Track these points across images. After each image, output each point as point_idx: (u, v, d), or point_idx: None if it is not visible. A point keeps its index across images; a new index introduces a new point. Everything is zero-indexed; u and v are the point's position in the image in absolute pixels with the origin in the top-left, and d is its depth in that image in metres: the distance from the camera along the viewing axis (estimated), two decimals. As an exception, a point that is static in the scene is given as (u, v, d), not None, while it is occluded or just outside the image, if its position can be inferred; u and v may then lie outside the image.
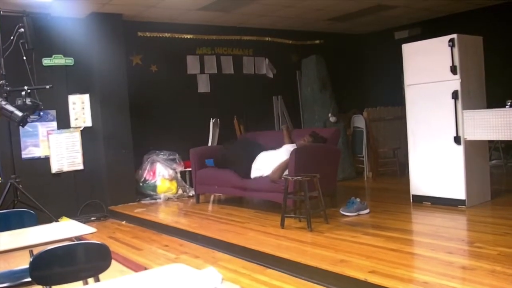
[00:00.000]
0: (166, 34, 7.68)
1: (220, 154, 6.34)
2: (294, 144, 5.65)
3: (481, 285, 2.86)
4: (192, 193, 7.10)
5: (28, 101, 5.11)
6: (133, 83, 7.11)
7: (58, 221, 5.45)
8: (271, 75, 8.79)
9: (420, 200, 5.35)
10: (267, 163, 5.55)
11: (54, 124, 6.67)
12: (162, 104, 7.58)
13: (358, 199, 5.13)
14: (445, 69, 4.96)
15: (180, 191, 7.21)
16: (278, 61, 8.84)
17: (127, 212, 6.42)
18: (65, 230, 2.75)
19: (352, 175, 7.82)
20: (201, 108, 7.88)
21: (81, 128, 6.87)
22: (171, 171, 7.17)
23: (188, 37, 7.91)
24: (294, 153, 5.08)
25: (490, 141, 5.97)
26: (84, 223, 4.27)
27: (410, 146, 5.45)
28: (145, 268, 4.01)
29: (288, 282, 3.52)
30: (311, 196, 4.68)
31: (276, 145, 5.93)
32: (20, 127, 5.00)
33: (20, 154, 6.33)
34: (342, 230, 4.48)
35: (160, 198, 7.00)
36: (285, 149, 5.59)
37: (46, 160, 6.60)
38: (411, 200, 5.45)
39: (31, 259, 2.10)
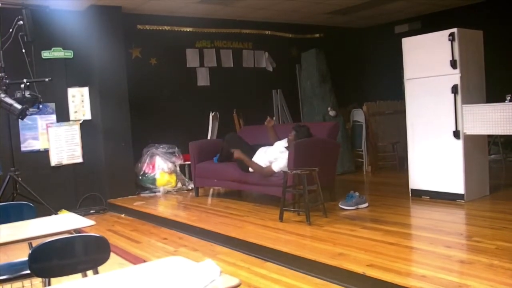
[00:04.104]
0: (165, 27, 7.66)
1: (223, 149, 6.30)
2: (285, 140, 5.62)
3: (479, 279, 2.87)
4: (191, 186, 7.10)
5: (27, 94, 5.10)
6: (133, 76, 7.10)
7: (57, 213, 5.46)
8: (270, 69, 8.78)
9: (419, 194, 5.36)
10: (263, 159, 5.56)
11: (53, 117, 6.67)
12: (162, 97, 7.58)
13: (357, 193, 5.13)
14: (445, 63, 4.95)
15: (179, 184, 7.22)
16: (278, 55, 8.82)
17: (126, 205, 6.43)
18: (64, 222, 2.75)
19: (351, 169, 7.83)
20: (200, 101, 7.87)
21: (81, 121, 6.87)
22: (170, 164, 7.18)
23: (188, 30, 7.89)
24: (293, 146, 5.08)
25: (489, 136, 5.98)
26: (83, 216, 4.27)
27: (409, 140, 5.45)
28: (144, 261, 4.02)
29: (287, 275, 3.54)
30: (310, 190, 4.68)
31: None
32: (20, 120, 5.00)
33: (20, 147, 6.34)
34: (340, 224, 4.49)
35: (159, 191, 7.01)
36: (276, 147, 5.58)
37: (45, 153, 6.60)
38: (410, 194, 5.45)
39: (30, 252, 2.10)
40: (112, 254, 2.34)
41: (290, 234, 4.31)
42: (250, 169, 5.58)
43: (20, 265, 2.68)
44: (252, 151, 5.76)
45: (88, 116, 6.91)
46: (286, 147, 5.35)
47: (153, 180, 7.07)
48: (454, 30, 4.89)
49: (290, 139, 5.37)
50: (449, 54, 4.91)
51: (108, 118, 6.83)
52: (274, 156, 5.44)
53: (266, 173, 5.34)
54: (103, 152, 6.84)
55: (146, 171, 7.12)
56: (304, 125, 5.54)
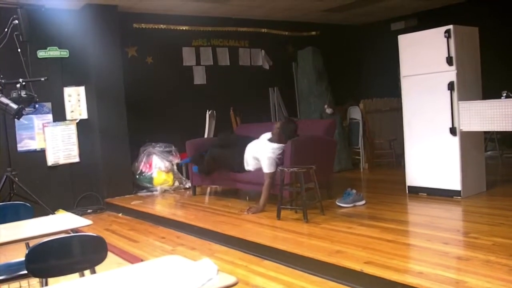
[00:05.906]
0: (161, 25, 7.64)
1: (207, 158, 6.00)
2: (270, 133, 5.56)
3: (476, 275, 2.88)
4: (188, 185, 7.10)
5: (23, 93, 5.10)
6: (129, 75, 7.08)
7: (55, 213, 5.45)
8: (267, 67, 8.77)
9: (416, 191, 5.37)
10: (251, 155, 5.53)
11: (49, 117, 6.65)
12: (158, 96, 7.56)
13: (354, 191, 5.14)
14: (441, 60, 4.96)
15: (176, 183, 7.21)
16: (274, 53, 8.82)
17: (123, 204, 6.42)
18: (61, 222, 2.75)
19: (348, 167, 7.83)
20: (197, 100, 7.86)
21: (77, 121, 6.85)
22: (167, 163, 7.17)
23: (184, 28, 7.88)
24: (290, 144, 5.08)
25: (485, 132, 5.98)
26: (81, 215, 4.27)
27: (406, 137, 5.46)
28: (142, 260, 4.02)
29: (284, 273, 3.54)
30: (307, 188, 4.69)
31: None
32: (16, 119, 4.99)
33: (16, 147, 6.31)
34: (338, 221, 4.49)
35: (156, 190, 7.00)
36: (261, 140, 5.52)
37: (42, 153, 6.58)
38: (407, 191, 5.47)
39: (27, 252, 2.09)
40: (109, 254, 2.34)
41: (288, 232, 4.31)
42: (247, 168, 5.57)
43: (17, 266, 2.67)
44: (245, 145, 5.73)
45: (84, 116, 6.90)
46: (269, 139, 5.32)
47: (150, 179, 7.06)
48: (450, 27, 4.90)
49: (274, 132, 5.32)
50: (445, 51, 4.92)
51: (104, 117, 6.80)
52: (257, 154, 5.37)
53: (271, 184, 5.12)
54: (100, 151, 6.82)
55: (143, 170, 7.11)
56: (294, 122, 5.48)
